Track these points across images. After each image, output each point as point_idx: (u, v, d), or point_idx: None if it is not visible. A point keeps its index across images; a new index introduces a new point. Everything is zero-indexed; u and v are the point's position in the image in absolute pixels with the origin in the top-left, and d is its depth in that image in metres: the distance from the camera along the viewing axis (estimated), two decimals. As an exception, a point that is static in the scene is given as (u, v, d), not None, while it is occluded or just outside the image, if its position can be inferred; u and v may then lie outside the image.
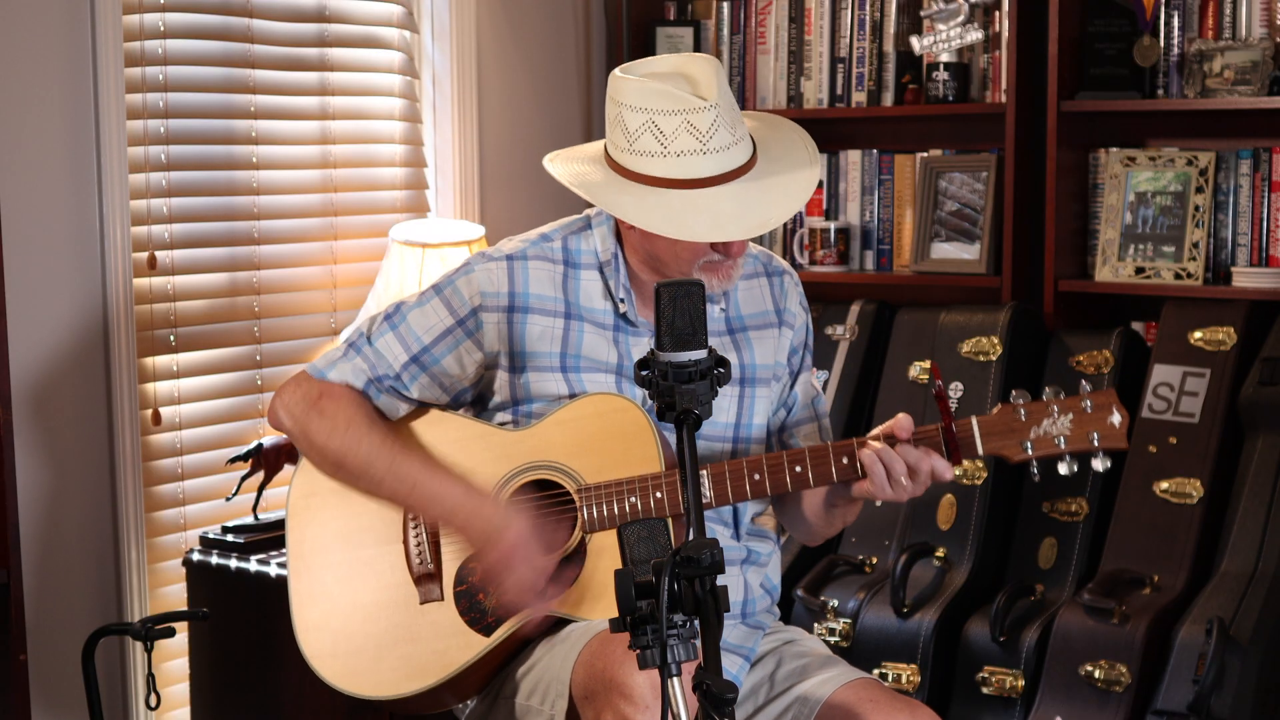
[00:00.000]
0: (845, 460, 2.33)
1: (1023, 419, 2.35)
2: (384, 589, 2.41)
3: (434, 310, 2.42)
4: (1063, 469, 2.36)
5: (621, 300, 2.41)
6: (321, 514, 2.45)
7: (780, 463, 2.33)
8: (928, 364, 3.81)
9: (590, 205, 2.46)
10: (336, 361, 2.43)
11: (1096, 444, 2.34)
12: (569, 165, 2.40)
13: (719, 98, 2.25)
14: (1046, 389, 2.37)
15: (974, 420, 2.35)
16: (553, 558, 2.33)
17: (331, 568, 2.43)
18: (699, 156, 2.25)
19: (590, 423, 2.36)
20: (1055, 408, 2.35)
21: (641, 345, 2.41)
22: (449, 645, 2.36)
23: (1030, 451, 2.35)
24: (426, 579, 2.39)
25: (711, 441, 2.43)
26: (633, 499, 2.33)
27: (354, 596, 2.42)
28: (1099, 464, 2.35)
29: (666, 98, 2.24)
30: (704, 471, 2.33)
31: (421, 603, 2.39)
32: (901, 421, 2.32)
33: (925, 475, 2.30)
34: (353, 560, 2.43)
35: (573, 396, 2.39)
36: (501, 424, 2.44)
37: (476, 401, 2.50)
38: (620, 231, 2.42)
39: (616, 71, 2.31)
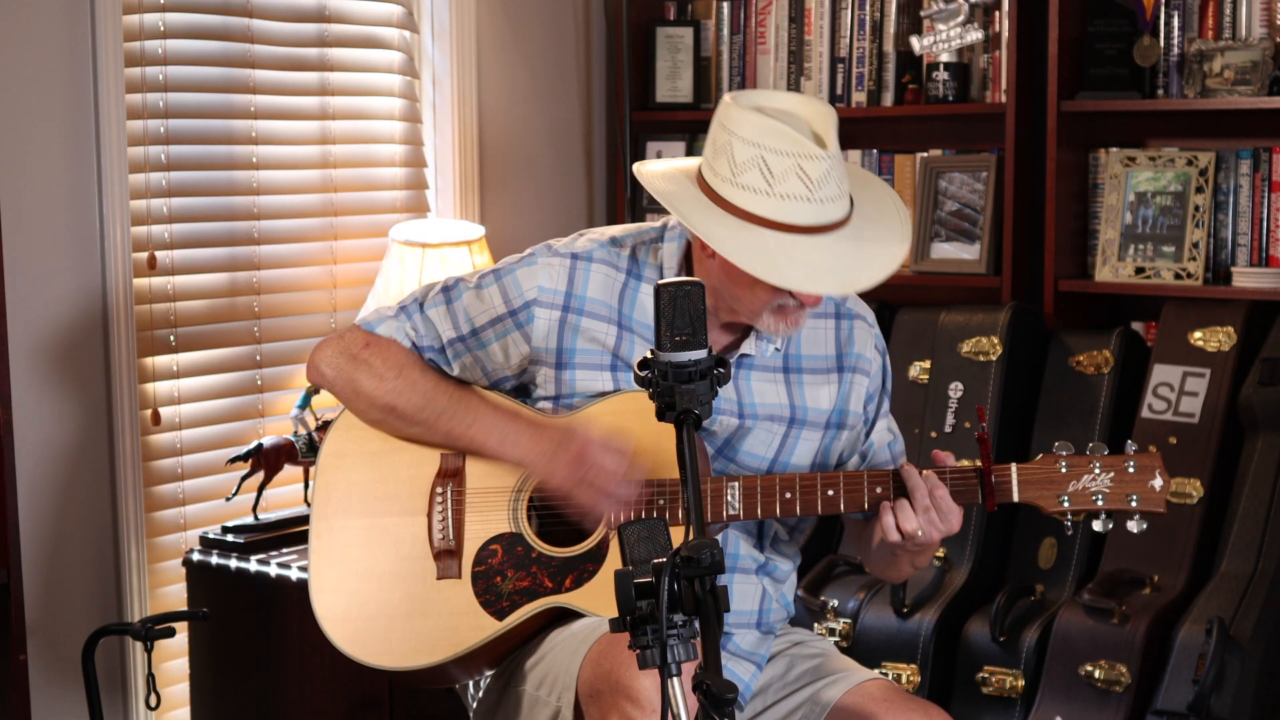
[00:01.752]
0: (879, 489, 2.30)
1: (1063, 472, 2.32)
2: (402, 559, 2.41)
3: (490, 295, 2.41)
4: (1096, 525, 2.33)
5: None
6: (351, 475, 2.45)
7: (813, 484, 2.31)
8: (928, 364, 3.81)
9: (657, 217, 2.42)
10: (386, 319, 2.44)
11: (1134, 506, 2.31)
12: (661, 182, 2.33)
13: (834, 149, 2.21)
14: (1091, 444, 2.33)
15: (1014, 467, 2.32)
16: (628, 445, 2.30)
17: (353, 531, 2.43)
18: (805, 203, 2.20)
19: (628, 419, 2.35)
20: (1097, 465, 2.32)
21: None
22: (460, 624, 2.36)
23: (1066, 505, 2.31)
24: (446, 555, 2.39)
25: (745, 471, 2.40)
26: (661, 501, 2.32)
27: (371, 563, 2.42)
28: (1134, 526, 2.32)
29: (784, 138, 2.19)
30: (735, 484, 2.31)
31: (438, 578, 2.39)
32: (938, 455, 2.31)
33: (943, 500, 2.27)
34: (374, 526, 2.43)
35: (617, 390, 2.38)
36: (541, 408, 2.43)
37: (518, 391, 2.49)
38: (693, 254, 2.38)
39: (728, 98, 2.26)
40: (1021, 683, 3.39)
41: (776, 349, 2.41)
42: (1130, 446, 2.33)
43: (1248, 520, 3.38)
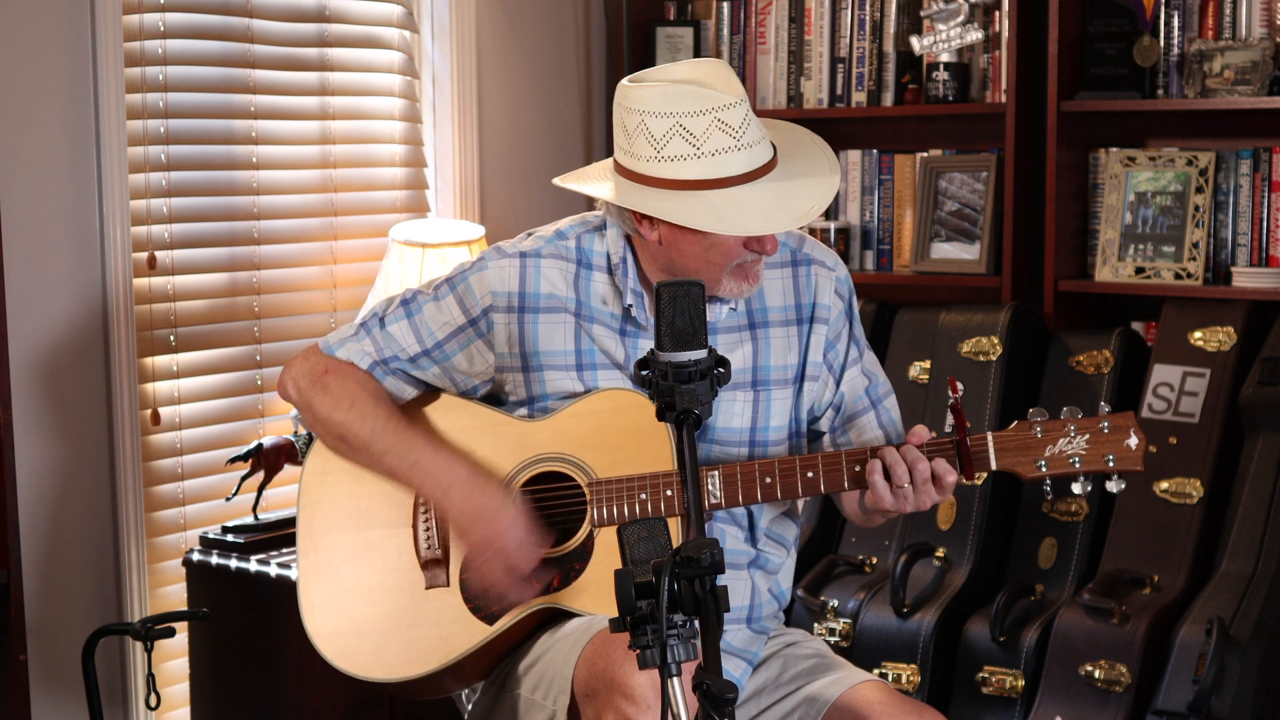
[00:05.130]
0: (858, 468, 2.31)
1: (1039, 437, 2.33)
2: (390, 572, 2.41)
3: (448, 306, 2.42)
4: (1076, 488, 2.34)
5: (630, 305, 2.39)
6: (334, 492, 2.46)
7: (792, 467, 2.32)
8: (928, 364, 3.81)
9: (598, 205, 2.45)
10: (346, 340, 2.45)
11: (1112, 466, 2.32)
12: (590, 183, 2.37)
13: (741, 94, 2.24)
14: (1065, 408, 2.35)
15: (989, 435, 2.33)
16: (538, 551, 2.33)
17: (340, 547, 2.44)
18: (733, 153, 2.23)
19: (606, 417, 2.36)
20: (1072, 427, 2.33)
21: (647, 345, 2.40)
22: (452, 632, 2.36)
23: (1044, 470, 2.33)
24: (434, 564, 2.39)
25: (727, 447, 2.41)
26: (643, 496, 2.33)
27: (360, 577, 2.42)
28: (1113, 485, 2.33)
29: (694, 98, 2.22)
30: (715, 472, 2.32)
31: (427, 588, 2.39)
32: (917, 430, 2.31)
33: (923, 475, 2.28)
34: (361, 541, 2.43)
35: (588, 391, 2.39)
36: (516, 414, 2.44)
37: (490, 400, 2.50)
38: (634, 242, 2.40)
39: (625, 82, 2.28)
40: (1021, 683, 3.39)
41: (732, 309, 2.42)
42: (1104, 408, 2.34)
43: (1248, 520, 3.38)
